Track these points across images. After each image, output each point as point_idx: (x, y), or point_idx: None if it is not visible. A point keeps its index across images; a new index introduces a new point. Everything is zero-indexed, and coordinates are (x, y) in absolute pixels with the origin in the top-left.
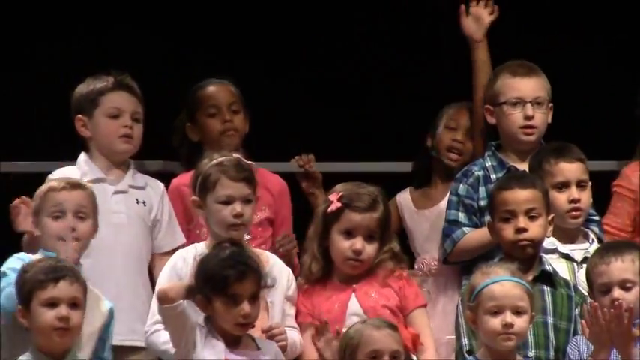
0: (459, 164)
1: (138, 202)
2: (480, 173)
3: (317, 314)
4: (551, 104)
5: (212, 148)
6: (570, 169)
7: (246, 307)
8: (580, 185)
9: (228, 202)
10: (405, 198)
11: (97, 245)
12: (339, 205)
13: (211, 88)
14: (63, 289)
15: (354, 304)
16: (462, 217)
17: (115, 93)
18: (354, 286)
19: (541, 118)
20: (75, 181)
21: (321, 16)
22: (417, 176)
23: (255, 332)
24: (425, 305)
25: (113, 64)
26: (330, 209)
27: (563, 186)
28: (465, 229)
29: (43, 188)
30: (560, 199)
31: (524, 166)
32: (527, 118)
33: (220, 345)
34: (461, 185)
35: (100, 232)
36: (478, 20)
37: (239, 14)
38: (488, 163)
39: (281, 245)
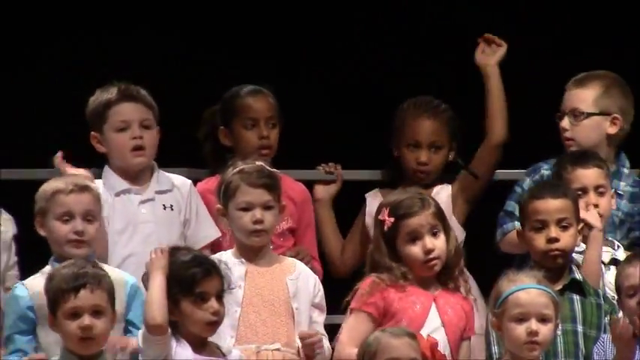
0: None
1: (165, 208)
2: (547, 172)
3: (386, 308)
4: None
5: (245, 158)
6: (587, 174)
7: (214, 304)
8: (598, 191)
9: (247, 208)
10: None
11: (127, 257)
12: (392, 219)
13: (251, 99)
14: (84, 298)
15: (433, 313)
16: (518, 210)
17: (119, 105)
18: (435, 294)
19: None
20: (82, 183)
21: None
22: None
23: (281, 339)
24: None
25: (135, 70)
26: (386, 228)
27: (582, 192)
28: (517, 223)
29: (48, 189)
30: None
31: None
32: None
33: (187, 348)
34: (527, 179)
35: (131, 243)
36: (491, 53)
37: (260, 18)
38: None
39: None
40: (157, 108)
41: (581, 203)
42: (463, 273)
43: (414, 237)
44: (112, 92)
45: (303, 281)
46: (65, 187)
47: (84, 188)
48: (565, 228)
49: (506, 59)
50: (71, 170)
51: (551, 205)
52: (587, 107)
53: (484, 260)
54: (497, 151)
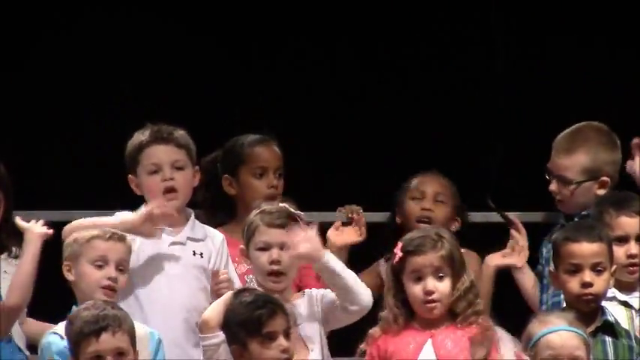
0: None
1: (195, 254)
2: None
3: (382, 355)
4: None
5: (249, 207)
6: (630, 223)
7: (283, 342)
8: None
9: (265, 248)
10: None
11: (152, 297)
12: (401, 254)
13: (261, 148)
14: (106, 341)
15: (428, 350)
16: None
17: (150, 148)
18: (433, 331)
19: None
20: (120, 233)
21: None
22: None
23: None
24: None
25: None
26: (395, 262)
27: (623, 239)
28: None
29: (85, 235)
30: (618, 252)
31: None
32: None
33: None
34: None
35: (156, 284)
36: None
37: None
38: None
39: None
40: (193, 148)
41: (620, 251)
42: (479, 314)
43: (418, 276)
44: (144, 134)
45: (306, 300)
46: (103, 234)
47: (121, 238)
48: (599, 272)
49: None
50: None
51: (587, 250)
52: (575, 175)
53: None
54: None
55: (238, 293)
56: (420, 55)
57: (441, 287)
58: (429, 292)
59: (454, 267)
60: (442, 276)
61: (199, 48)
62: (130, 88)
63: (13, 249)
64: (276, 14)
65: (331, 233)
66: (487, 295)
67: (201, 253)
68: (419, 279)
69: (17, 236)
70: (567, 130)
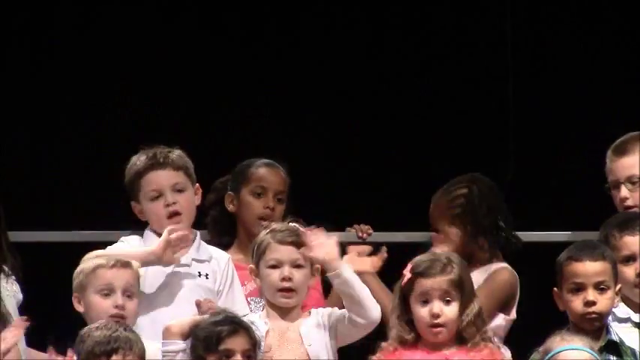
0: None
1: (200, 275)
2: None
3: None
4: None
5: (245, 225)
6: (634, 241)
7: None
8: None
9: (276, 265)
10: None
11: (158, 320)
12: (410, 275)
13: (265, 170)
14: None
15: None
16: None
17: (149, 175)
18: (446, 353)
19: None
20: (124, 260)
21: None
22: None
23: None
24: None
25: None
26: (403, 282)
27: (630, 259)
28: None
29: (90, 265)
30: (627, 272)
31: None
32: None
33: None
34: None
35: (163, 307)
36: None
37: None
38: None
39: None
40: (190, 166)
41: (629, 270)
42: (488, 341)
43: (425, 299)
44: (140, 161)
45: (313, 319)
46: (107, 263)
47: (126, 264)
48: (603, 291)
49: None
50: None
51: (590, 268)
52: None
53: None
54: None
55: (213, 313)
56: (432, 75)
57: (448, 311)
58: (435, 315)
59: (463, 292)
60: (449, 300)
61: (213, 70)
62: (138, 107)
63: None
64: (291, 32)
65: (349, 257)
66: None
67: (207, 274)
68: (425, 301)
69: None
70: (615, 143)
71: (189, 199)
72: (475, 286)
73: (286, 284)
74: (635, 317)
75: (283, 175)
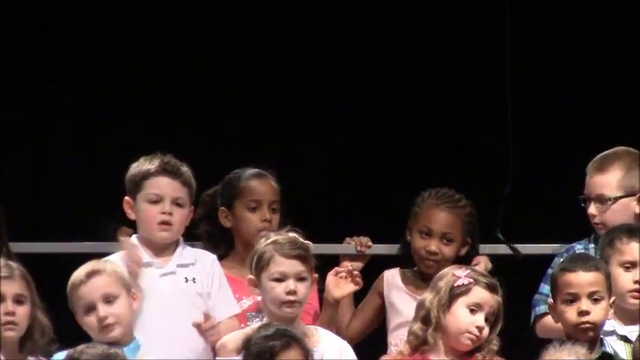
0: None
1: (187, 281)
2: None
3: None
4: None
5: (244, 239)
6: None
7: None
8: None
9: (281, 279)
10: (393, 274)
11: (149, 330)
12: (471, 280)
13: (256, 182)
14: None
15: None
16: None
17: (157, 178)
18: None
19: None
20: (91, 269)
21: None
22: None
23: None
24: None
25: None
26: (460, 282)
27: (631, 265)
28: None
29: (69, 288)
30: (625, 277)
31: None
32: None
33: None
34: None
35: (152, 317)
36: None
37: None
38: (592, 245)
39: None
40: (194, 187)
41: (627, 276)
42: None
43: (474, 309)
44: (153, 163)
45: (322, 348)
46: (77, 279)
47: (92, 273)
48: (596, 301)
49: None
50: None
51: (583, 279)
52: (612, 191)
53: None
54: None
55: (262, 326)
56: (431, 89)
57: (486, 330)
58: (480, 328)
59: (498, 316)
60: (488, 320)
61: (199, 82)
62: (129, 122)
63: None
64: (281, 49)
65: (330, 283)
66: None
67: (194, 279)
68: (473, 310)
69: None
70: (598, 156)
71: (183, 217)
72: None
73: (292, 297)
74: (620, 330)
75: (274, 183)
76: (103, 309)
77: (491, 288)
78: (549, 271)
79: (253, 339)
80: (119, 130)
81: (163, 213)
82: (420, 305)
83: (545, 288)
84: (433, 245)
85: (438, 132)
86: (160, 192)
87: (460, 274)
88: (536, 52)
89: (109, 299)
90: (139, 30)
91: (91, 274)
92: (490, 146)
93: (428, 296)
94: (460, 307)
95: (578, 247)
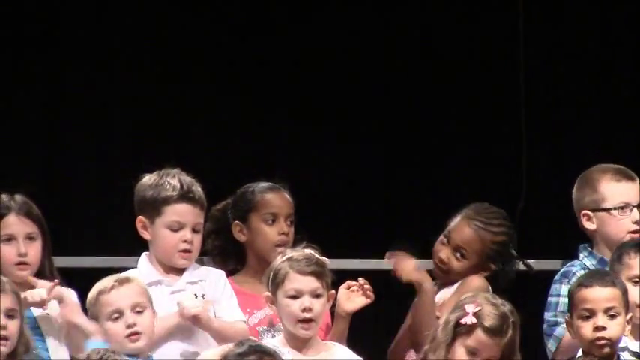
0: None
1: (196, 297)
2: (582, 272)
3: None
4: None
5: (260, 253)
6: None
7: None
8: None
9: (296, 295)
10: None
11: (160, 347)
12: (475, 320)
13: (272, 195)
14: None
15: None
16: (560, 316)
17: (178, 205)
18: None
19: None
20: (122, 277)
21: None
22: None
23: None
24: None
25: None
26: (464, 320)
27: (638, 280)
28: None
29: (94, 293)
30: (634, 291)
31: None
32: (637, 222)
33: None
34: (563, 287)
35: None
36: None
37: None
38: (589, 262)
39: None
40: (206, 207)
41: (635, 290)
42: None
43: (474, 352)
44: (173, 189)
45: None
46: (106, 286)
47: (124, 280)
48: (613, 317)
49: None
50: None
51: (599, 294)
52: None
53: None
54: None
55: (238, 343)
56: (446, 104)
57: None
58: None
59: (512, 353)
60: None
61: (208, 92)
62: (135, 134)
63: None
64: (288, 62)
65: (342, 296)
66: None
67: (203, 295)
68: (473, 354)
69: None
70: (615, 167)
71: (200, 241)
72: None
73: (307, 315)
74: (632, 346)
75: (288, 197)
76: (132, 316)
77: (493, 332)
78: (552, 300)
79: (229, 356)
80: (128, 143)
81: (185, 241)
82: (431, 335)
83: (550, 315)
84: (445, 253)
85: (451, 147)
86: (182, 220)
87: (469, 310)
88: (550, 68)
89: (137, 308)
90: (153, 45)
91: (122, 281)
92: (503, 161)
93: (442, 323)
94: (459, 347)
95: (574, 269)
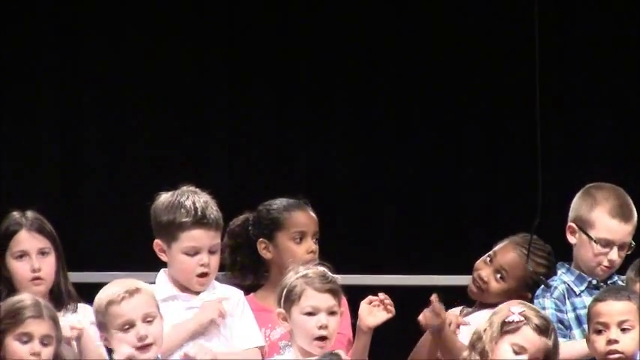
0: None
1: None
2: (563, 287)
3: None
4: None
5: (284, 271)
6: None
7: None
8: None
9: (313, 313)
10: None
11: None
12: (522, 318)
13: (299, 213)
14: None
15: None
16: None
17: (194, 230)
18: None
19: (621, 258)
20: (132, 287)
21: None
22: None
23: None
24: None
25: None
26: (511, 318)
27: None
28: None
29: (103, 302)
30: None
31: None
32: (611, 261)
33: None
34: (546, 300)
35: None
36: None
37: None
38: (567, 278)
39: None
40: (222, 225)
41: None
42: None
43: (518, 352)
44: (187, 214)
45: None
46: (117, 296)
47: (134, 291)
48: (626, 330)
49: None
50: None
51: (613, 308)
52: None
53: None
54: None
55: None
56: (461, 125)
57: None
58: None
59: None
60: None
61: (221, 105)
62: (151, 147)
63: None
64: (303, 70)
65: (364, 311)
66: None
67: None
68: (518, 352)
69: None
70: (614, 202)
71: (218, 261)
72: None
73: (324, 332)
74: None
75: (313, 214)
76: (143, 327)
77: (541, 330)
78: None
79: None
80: (145, 156)
81: (202, 265)
82: (477, 333)
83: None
84: (486, 272)
85: (467, 164)
86: (198, 244)
87: (514, 310)
88: (566, 85)
89: (148, 319)
90: (169, 60)
91: (132, 292)
92: (519, 177)
93: (484, 326)
94: (505, 344)
95: (555, 283)
